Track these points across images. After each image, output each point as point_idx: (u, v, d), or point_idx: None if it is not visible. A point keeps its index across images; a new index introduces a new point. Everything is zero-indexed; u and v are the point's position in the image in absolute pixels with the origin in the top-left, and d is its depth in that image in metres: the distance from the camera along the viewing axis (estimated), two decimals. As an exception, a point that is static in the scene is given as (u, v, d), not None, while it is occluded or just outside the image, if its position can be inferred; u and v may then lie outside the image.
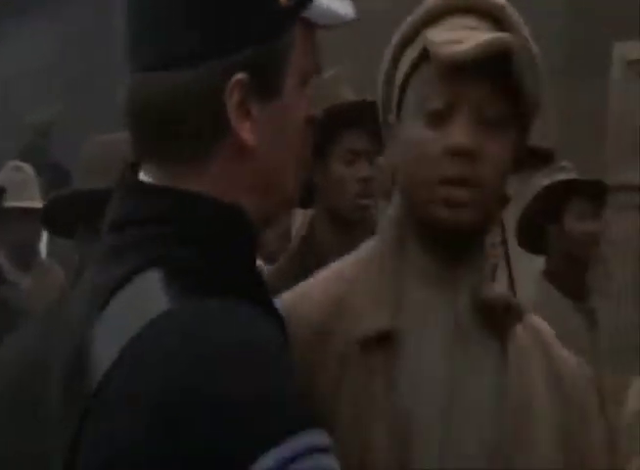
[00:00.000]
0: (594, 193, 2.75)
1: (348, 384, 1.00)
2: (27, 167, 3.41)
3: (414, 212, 1.03)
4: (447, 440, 0.99)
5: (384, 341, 1.00)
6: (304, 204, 2.03)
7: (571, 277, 2.72)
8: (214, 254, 0.78)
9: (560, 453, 1.05)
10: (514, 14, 1.01)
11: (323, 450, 0.69)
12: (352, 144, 1.86)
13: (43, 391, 0.76)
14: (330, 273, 1.10)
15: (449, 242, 1.03)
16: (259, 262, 2.96)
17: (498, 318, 1.04)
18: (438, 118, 0.98)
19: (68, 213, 1.87)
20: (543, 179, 2.78)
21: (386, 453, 0.98)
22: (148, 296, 0.72)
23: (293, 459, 0.66)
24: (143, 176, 0.84)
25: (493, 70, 0.96)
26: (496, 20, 1.00)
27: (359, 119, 1.84)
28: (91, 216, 1.74)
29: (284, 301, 1.05)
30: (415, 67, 1.01)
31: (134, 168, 0.85)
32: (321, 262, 1.81)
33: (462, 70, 0.96)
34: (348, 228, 1.89)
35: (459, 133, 0.97)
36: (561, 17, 5.40)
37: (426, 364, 1.01)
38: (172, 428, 0.66)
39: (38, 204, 3.20)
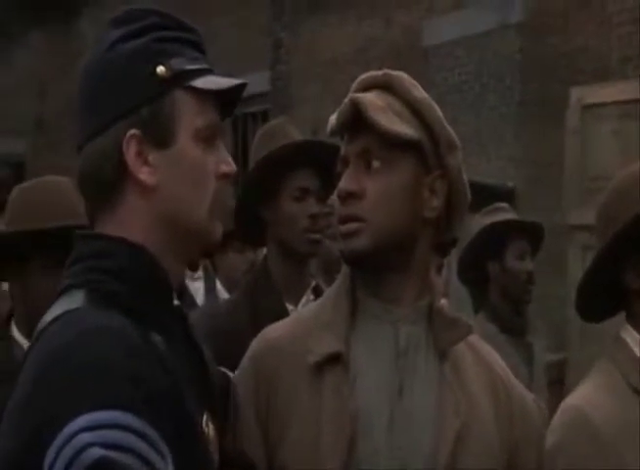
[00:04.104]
0: (532, 234, 2.86)
1: (302, 399, 1.18)
2: (-9, 201, 3.40)
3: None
4: (391, 445, 1.16)
5: (334, 363, 1.18)
6: (258, 243, 2.09)
7: (510, 313, 2.82)
8: (120, 279, 1.02)
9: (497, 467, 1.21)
10: (401, 79, 1.26)
11: (125, 429, 0.89)
12: (302, 182, 1.95)
13: None
14: (296, 314, 1.31)
15: (372, 275, 1.23)
16: (219, 288, 3.01)
17: (442, 333, 1.21)
18: (340, 171, 1.25)
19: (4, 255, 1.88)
20: (485, 219, 2.87)
21: (333, 453, 1.14)
22: (68, 303, 1.01)
23: (92, 428, 0.87)
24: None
25: (364, 126, 1.21)
26: (387, 87, 1.25)
27: (308, 158, 1.93)
28: (14, 259, 1.76)
29: (264, 332, 1.28)
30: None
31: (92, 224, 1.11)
32: (274, 296, 1.92)
33: (346, 132, 1.24)
34: (300, 262, 1.97)
35: (343, 181, 1.22)
36: (518, 62, 5.56)
37: (371, 382, 1.18)
38: (37, 385, 0.92)
39: (2, 237, 3.18)
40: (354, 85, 1.28)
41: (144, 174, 1.04)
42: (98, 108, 1.05)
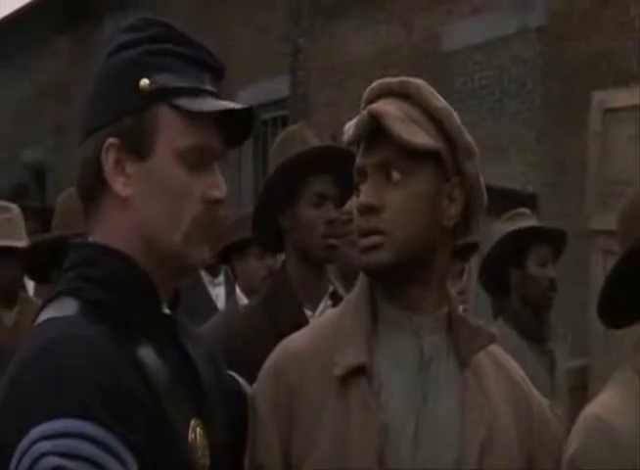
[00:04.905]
0: (554, 240, 2.85)
1: (328, 412, 1.17)
2: (14, 207, 3.44)
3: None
4: (417, 456, 1.16)
5: (358, 374, 1.17)
6: (276, 249, 2.10)
7: (531, 320, 2.81)
8: (103, 287, 1.03)
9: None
10: (419, 87, 1.24)
11: (84, 437, 0.90)
12: (320, 188, 1.95)
13: None
14: (315, 323, 1.30)
15: (387, 284, 1.22)
16: (239, 294, 3.03)
17: (465, 342, 1.21)
18: (360, 188, 1.23)
19: (47, 259, 1.92)
20: (506, 225, 2.86)
21: (363, 467, 1.13)
22: (55, 310, 1.02)
23: (50, 437, 0.88)
24: None
25: (382, 137, 1.19)
26: (404, 95, 1.23)
27: (326, 164, 1.93)
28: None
29: (283, 344, 1.26)
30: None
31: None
32: (292, 301, 1.92)
33: (362, 146, 1.22)
34: (317, 268, 1.98)
35: (362, 194, 1.20)
36: (538, 67, 5.53)
37: (396, 393, 1.18)
38: (6, 392, 0.94)
39: (23, 243, 3.22)
40: (369, 92, 1.26)
41: (119, 184, 1.04)
42: (90, 112, 1.07)
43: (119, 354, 0.97)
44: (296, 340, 1.26)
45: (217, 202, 1.06)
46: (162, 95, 1.04)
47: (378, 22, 6.61)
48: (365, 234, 1.20)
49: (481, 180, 1.25)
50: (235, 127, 1.10)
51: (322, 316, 1.32)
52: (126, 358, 0.98)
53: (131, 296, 1.03)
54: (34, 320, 1.04)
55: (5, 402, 0.94)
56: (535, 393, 1.29)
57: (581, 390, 3.77)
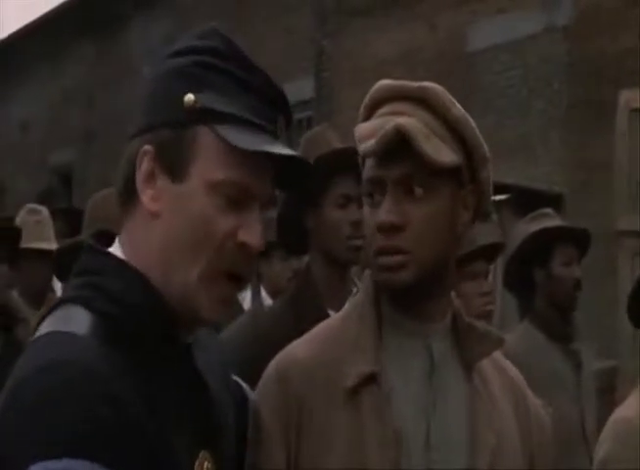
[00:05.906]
0: (579, 240, 2.83)
1: (340, 420, 1.15)
2: (44, 210, 3.49)
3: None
4: (429, 461, 1.15)
5: (369, 382, 1.15)
6: (300, 251, 2.09)
7: (557, 320, 2.80)
8: (113, 302, 0.96)
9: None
10: (438, 93, 1.19)
11: None
12: (344, 189, 1.94)
13: None
14: (318, 329, 1.26)
15: (404, 299, 1.19)
16: (264, 295, 3.04)
17: (473, 347, 1.20)
18: (375, 198, 1.18)
19: (73, 262, 1.95)
20: (530, 225, 2.85)
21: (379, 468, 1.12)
22: (62, 320, 0.96)
23: None
24: None
25: (405, 151, 1.14)
26: (421, 101, 1.19)
27: (349, 165, 1.92)
28: None
29: (288, 351, 1.22)
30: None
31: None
32: (316, 304, 1.91)
33: (380, 157, 1.16)
34: (342, 269, 1.98)
35: (384, 211, 1.15)
36: (565, 66, 5.49)
37: (407, 399, 1.17)
38: (4, 410, 0.89)
39: (52, 245, 3.27)
40: (374, 92, 1.23)
41: (147, 197, 0.97)
42: (140, 114, 1.02)
43: (123, 380, 0.91)
44: (299, 347, 1.22)
45: (244, 245, 0.97)
46: (205, 116, 0.97)
47: (402, 22, 6.60)
48: (387, 253, 1.16)
49: (491, 183, 1.24)
50: (288, 170, 1.02)
51: (325, 322, 1.29)
52: (130, 385, 0.91)
53: (142, 316, 0.96)
54: (36, 328, 0.98)
55: (2, 425, 0.89)
56: (531, 394, 1.29)
57: (609, 391, 3.73)
